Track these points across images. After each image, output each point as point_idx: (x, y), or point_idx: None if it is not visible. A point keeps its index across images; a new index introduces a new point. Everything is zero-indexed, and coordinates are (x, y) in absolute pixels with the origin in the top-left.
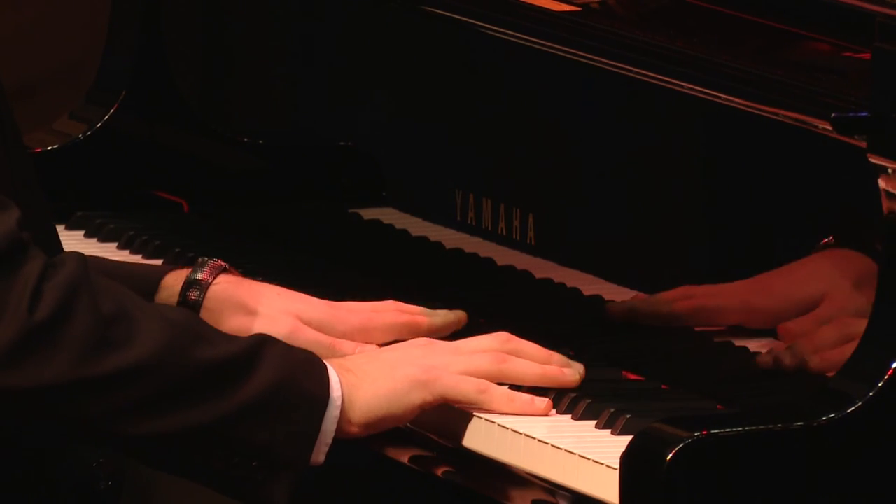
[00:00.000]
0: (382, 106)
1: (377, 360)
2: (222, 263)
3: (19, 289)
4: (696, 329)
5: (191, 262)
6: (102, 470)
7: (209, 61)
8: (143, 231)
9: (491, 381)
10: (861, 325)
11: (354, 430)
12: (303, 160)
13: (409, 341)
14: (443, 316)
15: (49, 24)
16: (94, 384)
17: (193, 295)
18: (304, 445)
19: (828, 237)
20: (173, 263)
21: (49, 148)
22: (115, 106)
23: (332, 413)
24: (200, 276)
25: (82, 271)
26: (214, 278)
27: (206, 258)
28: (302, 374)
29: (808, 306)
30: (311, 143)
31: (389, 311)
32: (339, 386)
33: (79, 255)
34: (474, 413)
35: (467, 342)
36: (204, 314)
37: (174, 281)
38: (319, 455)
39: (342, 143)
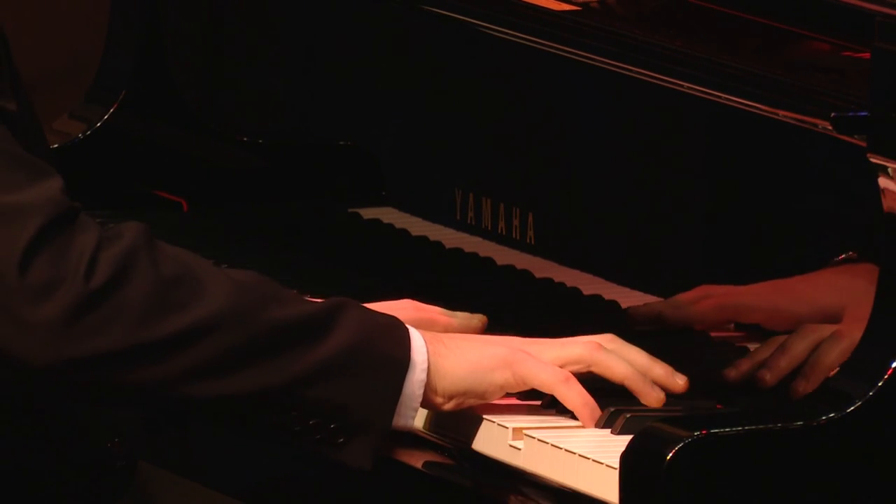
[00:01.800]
0: (382, 106)
1: (471, 338)
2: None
3: (75, 258)
4: (696, 329)
5: None
6: (116, 450)
7: (209, 61)
8: None
9: (582, 367)
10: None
11: (439, 399)
12: (303, 160)
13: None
14: (462, 318)
15: (49, 24)
16: (156, 347)
17: None
18: (385, 406)
19: (848, 252)
20: None
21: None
22: (115, 105)
23: (418, 377)
24: None
25: (143, 238)
26: None
27: None
28: (382, 336)
29: (831, 315)
30: (311, 142)
31: (407, 309)
32: (424, 350)
33: (138, 224)
34: (474, 412)
35: (570, 339)
36: None
37: None
38: (407, 419)
39: (342, 143)
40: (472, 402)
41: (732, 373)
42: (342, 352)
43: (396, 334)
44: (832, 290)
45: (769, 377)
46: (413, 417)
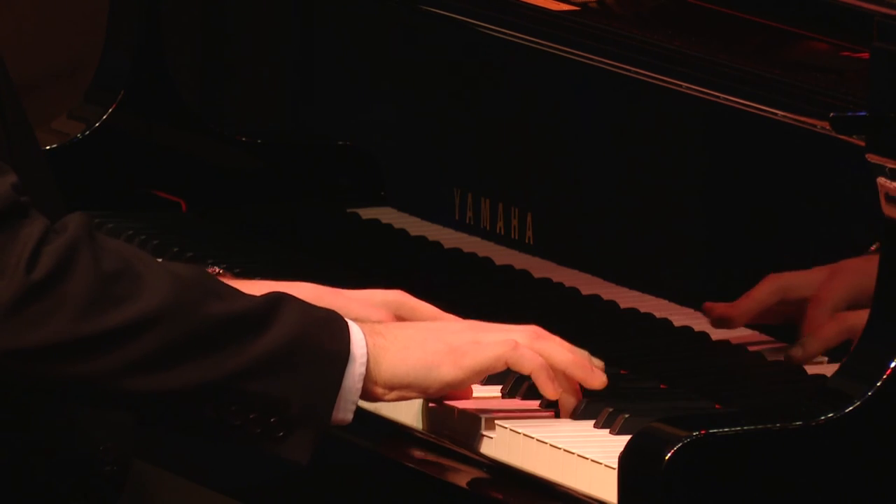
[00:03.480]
0: (381, 105)
1: (411, 328)
2: (216, 269)
3: (18, 250)
4: (696, 330)
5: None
6: (108, 454)
7: (208, 61)
8: (141, 230)
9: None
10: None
11: (379, 391)
12: (301, 160)
13: (448, 319)
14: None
15: (48, 24)
16: (96, 341)
17: None
18: (324, 400)
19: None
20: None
21: (48, 147)
22: (114, 105)
23: (357, 370)
24: None
25: (84, 231)
26: None
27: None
28: (321, 330)
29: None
30: (310, 142)
31: (393, 298)
32: (363, 343)
33: (81, 216)
34: (473, 412)
35: (511, 326)
36: None
37: None
38: (346, 413)
39: (341, 143)
40: (413, 395)
41: (799, 353)
42: (281, 346)
43: (335, 327)
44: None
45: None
46: (352, 411)
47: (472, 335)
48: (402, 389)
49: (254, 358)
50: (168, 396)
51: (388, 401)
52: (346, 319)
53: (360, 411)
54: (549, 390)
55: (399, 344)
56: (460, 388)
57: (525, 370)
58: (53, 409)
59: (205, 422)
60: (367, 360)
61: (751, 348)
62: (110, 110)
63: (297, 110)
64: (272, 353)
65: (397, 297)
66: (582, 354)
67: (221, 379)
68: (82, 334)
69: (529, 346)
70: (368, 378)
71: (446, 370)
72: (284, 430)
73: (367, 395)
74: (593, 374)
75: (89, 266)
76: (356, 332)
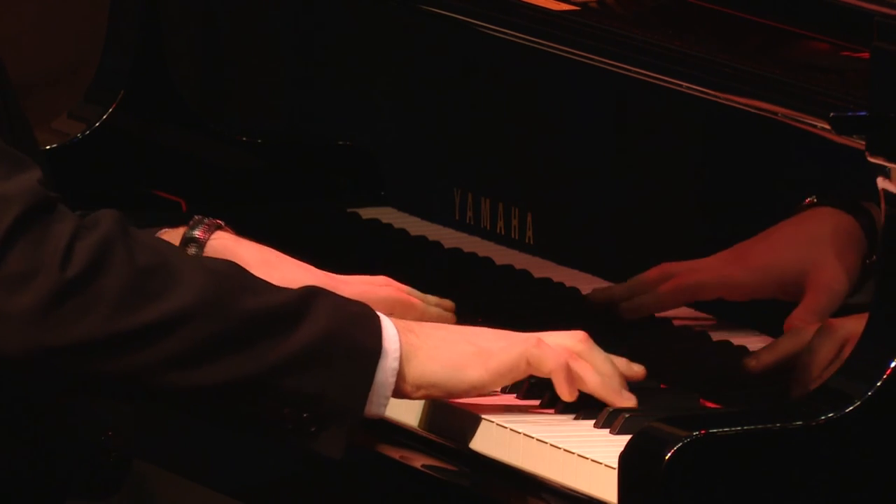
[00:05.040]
0: (381, 105)
1: (444, 329)
2: (218, 221)
3: (51, 248)
4: (696, 330)
5: (183, 221)
6: (110, 445)
7: (208, 61)
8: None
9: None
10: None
11: (408, 388)
12: (301, 159)
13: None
14: (434, 301)
15: (48, 24)
16: (132, 336)
17: (191, 251)
18: (357, 395)
19: (811, 197)
20: None
21: (48, 147)
22: (114, 105)
23: (390, 365)
24: (197, 233)
25: (118, 227)
26: (211, 235)
27: (201, 216)
28: (354, 325)
29: (789, 274)
30: (310, 142)
31: (383, 286)
32: (396, 339)
33: (114, 213)
34: (473, 412)
35: (544, 334)
36: None
37: (171, 238)
38: (379, 407)
39: (341, 143)
40: (438, 394)
41: (753, 363)
42: (315, 341)
43: (369, 322)
44: (788, 252)
45: (799, 389)
46: (385, 405)
47: (505, 341)
48: (429, 388)
49: (289, 353)
50: (203, 392)
51: (415, 398)
52: (379, 315)
53: None
54: (566, 392)
55: (431, 343)
56: (485, 391)
57: (544, 370)
58: (51, 402)
59: (239, 416)
60: (400, 356)
61: (751, 348)
62: (110, 110)
63: (298, 110)
64: (306, 349)
65: (390, 294)
66: (620, 363)
67: (257, 374)
68: (119, 330)
69: (564, 352)
70: (399, 375)
71: (473, 372)
72: (317, 425)
73: (397, 391)
74: (621, 396)
75: (124, 261)
76: (389, 328)
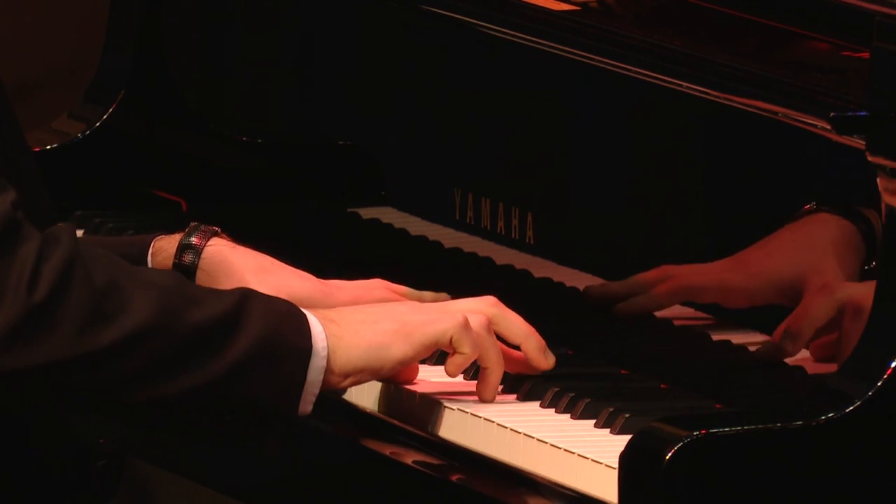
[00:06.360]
0: (382, 105)
1: (362, 312)
2: (214, 228)
3: (18, 271)
4: (696, 330)
5: (181, 227)
6: (103, 450)
7: (208, 60)
8: (141, 230)
9: (482, 317)
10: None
11: (336, 379)
12: (301, 159)
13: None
14: (430, 297)
15: (49, 24)
16: (93, 358)
17: (188, 258)
18: (293, 397)
19: (810, 204)
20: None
21: (48, 147)
22: (114, 105)
23: (318, 363)
24: (193, 239)
25: (76, 245)
26: (207, 241)
27: (197, 223)
28: (285, 325)
29: (786, 281)
30: (310, 142)
31: (378, 289)
32: (323, 336)
33: (70, 229)
34: (473, 412)
35: (455, 302)
36: (200, 276)
37: (168, 244)
38: (307, 405)
39: (341, 143)
40: (368, 378)
41: (789, 347)
42: (253, 347)
43: (296, 322)
44: (788, 257)
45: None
46: (312, 403)
47: (426, 314)
48: (357, 375)
49: (231, 361)
50: (160, 405)
51: (344, 387)
52: (305, 312)
53: (360, 411)
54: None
55: (352, 329)
56: (410, 364)
57: (464, 349)
58: (42, 409)
59: (183, 426)
60: (328, 353)
61: (751, 348)
62: (110, 110)
63: (297, 110)
64: (246, 355)
65: (385, 297)
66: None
67: (206, 385)
68: (79, 353)
69: (486, 313)
70: (326, 369)
71: (396, 349)
72: (255, 428)
73: (325, 384)
74: (544, 355)
75: (83, 283)
76: (315, 325)
